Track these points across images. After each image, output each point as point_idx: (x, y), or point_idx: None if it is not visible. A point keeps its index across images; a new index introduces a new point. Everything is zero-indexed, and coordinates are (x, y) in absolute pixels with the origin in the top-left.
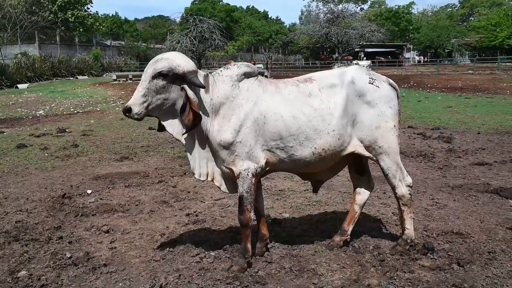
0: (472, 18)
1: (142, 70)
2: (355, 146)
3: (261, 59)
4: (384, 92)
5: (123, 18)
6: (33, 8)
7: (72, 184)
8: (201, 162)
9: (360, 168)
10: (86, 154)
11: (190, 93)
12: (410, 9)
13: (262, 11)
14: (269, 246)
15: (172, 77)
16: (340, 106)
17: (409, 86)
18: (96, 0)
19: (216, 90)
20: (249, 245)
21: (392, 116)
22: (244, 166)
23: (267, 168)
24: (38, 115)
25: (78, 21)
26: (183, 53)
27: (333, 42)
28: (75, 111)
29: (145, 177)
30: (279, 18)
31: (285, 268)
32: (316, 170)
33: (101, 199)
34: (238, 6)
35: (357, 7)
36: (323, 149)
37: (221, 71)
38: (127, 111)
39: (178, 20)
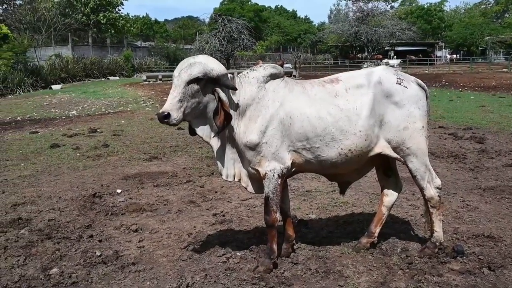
0: (507, 15)
1: (172, 71)
2: (382, 147)
3: (290, 58)
4: (412, 92)
5: (154, 19)
6: (67, 10)
7: (103, 184)
8: (228, 163)
9: (387, 169)
10: (117, 154)
11: (222, 95)
12: (442, 7)
13: (290, 10)
14: (295, 247)
15: (207, 80)
16: (367, 106)
17: (440, 85)
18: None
19: (243, 91)
20: (275, 246)
21: (420, 117)
22: (270, 167)
23: (293, 169)
24: (71, 115)
25: (109, 22)
26: (211, 53)
27: (363, 41)
28: (106, 112)
29: (174, 177)
30: (307, 17)
31: (311, 270)
32: (343, 171)
33: (130, 198)
34: (266, 6)
35: (387, 5)
36: (350, 150)
37: (247, 72)
38: (165, 117)
39: (207, 20)
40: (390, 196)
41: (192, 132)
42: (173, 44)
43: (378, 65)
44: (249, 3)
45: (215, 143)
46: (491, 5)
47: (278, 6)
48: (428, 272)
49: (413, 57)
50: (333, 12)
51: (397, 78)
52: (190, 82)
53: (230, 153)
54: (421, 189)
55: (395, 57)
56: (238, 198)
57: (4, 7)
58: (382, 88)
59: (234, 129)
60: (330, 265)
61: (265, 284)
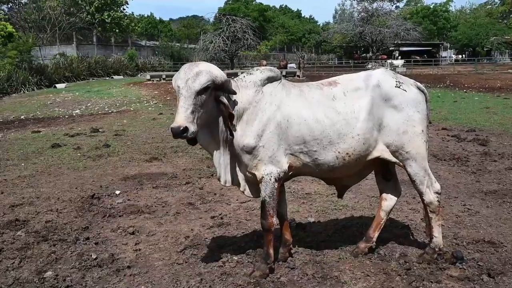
0: None
1: (176, 70)
2: (381, 151)
3: (294, 58)
4: (412, 96)
5: (158, 18)
6: (71, 9)
7: (102, 185)
8: (226, 169)
9: (387, 173)
10: (117, 154)
11: (225, 100)
12: (448, 7)
13: (295, 10)
14: (292, 251)
15: (213, 88)
16: (365, 110)
17: (445, 86)
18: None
19: (240, 96)
20: (271, 251)
21: (420, 121)
22: (267, 171)
23: (290, 173)
24: (74, 114)
25: (114, 22)
26: (215, 53)
27: (367, 41)
28: (110, 111)
29: (173, 178)
30: (312, 17)
31: (307, 275)
32: (341, 175)
33: (128, 200)
34: (271, 6)
35: (392, 5)
36: (347, 153)
37: (244, 76)
38: (183, 131)
39: (211, 20)
40: (389, 200)
41: (192, 142)
42: (178, 44)
43: (383, 65)
44: (254, 2)
45: (212, 148)
46: (496, 5)
47: (283, 6)
48: (426, 278)
49: (418, 57)
50: (338, 12)
51: (396, 81)
52: (200, 92)
53: (228, 158)
54: (420, 194)
55: (399, 57)
56: (237, 200)
57: (9, 6)
58: (380, 92)
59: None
60: (327, 270)
61: None
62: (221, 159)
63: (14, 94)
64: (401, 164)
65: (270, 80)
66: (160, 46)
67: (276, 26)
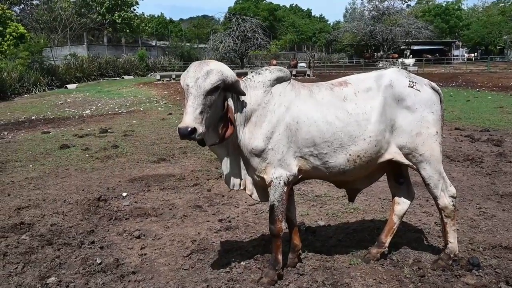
0: None
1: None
2: (393, 154)
3: (304, 57)
4: (425, 96)
5: (168, 18)
6: (82, 10)
7: (109, 187)
8: (233, 172)
9: (399, 176)
10: (125, 155)
11: (231, 102)
12: (460, 5)
13: (305, 9)
14: (301, 256)
15: (223, 88)
16: (377, 111)
17: (457, 85)
18: (142, 1)
19: (248, 96)
20: (280, 256)
21: (434, 122)
22: (276, 174)
23: (300, 176)
24: (84, 115)
25: (124, 22)
26: (225, 52)
27: (378, 40)
28: (119, 111)
29: (181, 179)
30: (322, 16)
31: (317, 282)
32: (351, 178)
33: (135, 202)
34: (281, 5)
35: (403, 4)
36: (358, 156)
37: (252, 76)
38: (191, 132)
39: (221, 19)
40: (402, 204)
41: (202, 142)
42: (188, 44)
43: (394, 64)
44: (264, 2)
45: (220, 151)
46: (509, 3)
47: (293, 5)
48: (441, 286)
49: (429, 56)
50: (349, 11)
51: (409, 81)
52: (211, 91)
53: (235, 161)
54: (435, 198)
55: (410, 56)
56: (245, 203)
57: (21, 7)
58: (393, 92)
59: (239, 135)
60: (338, 277)
61: None
62: (228, 161)
63: (25, 95)
64: (414, 167)
65: (279, 80)
66: (170, 46)
67: (286, 25)
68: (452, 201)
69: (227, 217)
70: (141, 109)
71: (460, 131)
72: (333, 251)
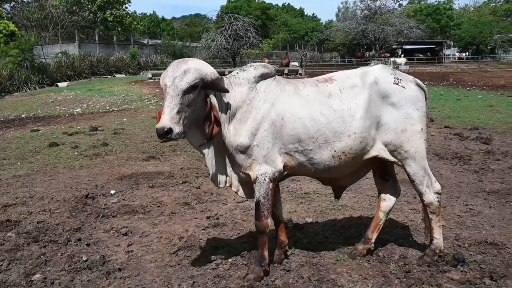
0: None
1: None
2: (379, 150)
3: (296, 56)
4: (410, 93)
5: (161, 17)
6: (74, 8)
7: (97, 184)
8: (219, 170)
9: (385, 173)
10: (115, 153)
11: (214, 100)
12: (451, 5)
13: (298, 8)
14: (288, 253)
15: (202, 87)
16: (362, 108)
17: (448, 84)
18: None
19: (233, 94)
20: (266, 253)
21: (419, 119)
22: (261, 171)
23: (285, 172)
24: (75, 113)
25: (116, 20)
26: (218, 51)
27: (370, 39)
28: (110, 109)
29: (170, 177)
30: (315, 15)
31: (303, 278)
32: (337, 174)
33: (123, 199)
34: (273, 4)
35: (395, 3)
36: (343, 152)
37: (237, 73)
38: (167, 132)
39: (214, 18)
40: (388, 201)
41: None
42: (180, 42)
43: (386, 63)
44: (256, 1)
45: (206, 149)
46: (500, 3)
47: (285, 4)
48: (426, 281)
49: (421, 55)
50: (341, 10)
51: (394, 78)
52: (188, 90)
53: (221, 159)
54: (420, 194)
55: (402, 55)
56: (234, 200)
57: (12, 4)
58: (378, 89)
59: (224, 133)
60: (324, 273)
61: None
62: (214, 159)
63: (16, 93)
64: (400, 163)
65: (264, 76)
66: (162, 45)
67: (279, 24)
68: (437, 197)
69: (215, 214)
70: (132, 108)
71: (450, 129)
72: (320, 247)
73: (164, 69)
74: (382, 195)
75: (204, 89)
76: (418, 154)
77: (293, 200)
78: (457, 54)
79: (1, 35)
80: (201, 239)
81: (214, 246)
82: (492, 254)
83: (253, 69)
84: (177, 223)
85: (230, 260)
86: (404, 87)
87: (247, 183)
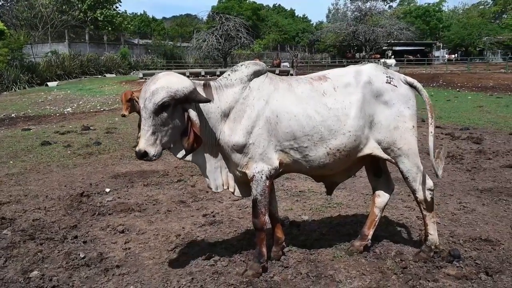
0: (505, 16)
1: (169, 68)
2: (373, 149)
3: (287, 57)
4: (402, 91)
5: (151, 16)
6: (64, 7)
7: (92, 182)
8: (215, 174)
9: (377, 170)
10: (108, 151)
11: (193, 114)
12: (441, 7)
13: (288, 9)
14: (286, 249)
15: (174, 104)
16: (355, 106)
17: (438, 85)
18: None
19: (224, 95)
20: (264, 249)
21: (410, 116)
22: (258, 169)
23: (281, 170)
24: (65, 112)
25: (107, 20)
26: (209, 51)
27: (360, 40)
28: (101, 109)
29: (165, 175)
30: (306, 16)
31: (301, 274)
32: (331, 172)
33: (119, 198)
34: (264, 4)
35: (386, 5)
36: (338, 150)
37: (228, 75)
38: (143, 155)
39: (205, 18)
40: (382, 197)
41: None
42: (171, 42)
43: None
44: (247, 1)
45: (197, 157)
46: (489, 5)
47: (276, 5)
48: (423, 277)
49: (411, 57)
50: (331, 11)
51: (386, 76)
52: (158, 111)
53: (215, 162)
54: (413, 191)
55: (392, 56)
56: (229, 198)
57: (1, 3)
58: (371, 88)
59: (217, 135)
60: (322, 269)
61: None
62: (207, 165)
63: (5, 92)
64: (393, 161)
65: (257, 74)
66: (153, 45)
67: (270, 25)
68: (430, 193)
69: (211, 212)
70: None
71: (441, 129)
72: (317, 244)
73: (155, 69)
74: (377, 192)
75: (179, 104)
76: (411, 151)
77: (288, 198)
78: (446, 55)
79: None
80: (198, 237)
81: (211, 243)
82: (486, 250)
83: (245, 68)
84: (174, 221)
85: (228, 257)
86: (396, 86)
87: (243, 182)
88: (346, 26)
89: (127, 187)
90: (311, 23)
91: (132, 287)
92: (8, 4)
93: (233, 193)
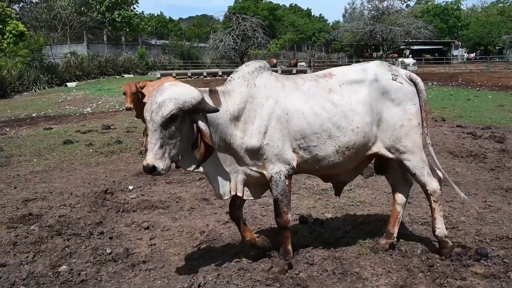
0: None
1: (186, 69)
2: (379, 147)
3: (304, 57)
4: (408, 89)
5: (168, 17)
6: (82, 8)
7: (115, 180)
8: (224, 181)
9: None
10: (129, 150)
11: (202, 124)
12: (459, 5)
13: (305, 9)
14: (310, 247)
15: (183, 115)
16: (362, 103)
17: (457, 84)
18: (142, 0)
19: (231, 98)
20: (289, 247)
21: (416, 114)
22: (276, 169)
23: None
24: (85, 112)
25: (124, 21)
26: (225, 51)
27: (378, 39)
28: (120, 109)
29: (186, 174)
30: (322, 15)
31: (327, 271)
32: (340, 171)
33: (142, 195)
34: (281, 4)
35: (403, 4)
36: (347, 147)
37: (231, 77)
38: (151, 170)
39: (221, 19)
40: (402, 192)
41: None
42: (188, 42)
43: (393, 64)
44: (263, 1)
45: (206, 166)
46: (508, 3)
47: (293, 5)
48: (450, 275)
49: (429, 56)
50: (348, 10)
51: (392, 74)
52: (165, 124)
53: (224, 168)
54: (423, 185)
55: (410, 56)
56: None
57: (21, 5)
58: (378, 86)
59: (228, 139)
60: (347, 266)
61: (279, 286)
62: (217, 171)
63: (25, 93)
64: (399, 158)
65: (259, 70)
66: (170, 45)
67: (286, 24)
68: (439, 184)
69: None
70: None
71: (462, 128)
72: (341, 242)
73: (172, 69)
74: (396, 188)
75: (187, 115)
76: (416, 146)
77: (311, 196)
78: (465, 54)
79: (11, 35)
80: (222, 233)
81: (235, 240)
82: None
83: (245, 66)
84: (197, 218)
85: (252, 253)
86: (402, 83)
87: (254, 184)
88: (363, 25)
89: (150, 184)
90: (328, 22)
91: (159, 282)
92: (28, 6)
93: (242, 196)
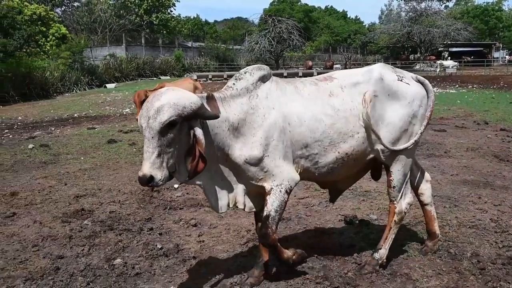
0: None
1: (221, 71)
2: (376, 152)
3: (339, 59)
4: (415, 90)
5: (204, 20)
6: (121, 12)
7: None
8: (220, 194)
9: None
10: None
11: (199, 132)
12: (501, 6)
13: (340, 10)
14: (357, 247)
15: (182, 122)
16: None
17: (498, 87)
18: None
19: (232, 107)
20: (285, 255)
21: (421, 117)
22: (277, 182)
23: None
24: (124, 113)
25: (162, 23)
26: (261, 53)
27: (415, 41)
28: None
29: None
30: (358, 17)
31: (376, 271)
32: (338, 177)
33: (187, 193)
34: (316, 6)
35: (441, 5)
36: (346, 153)
37: (233, 84)
38: (149, 181)
39: (256, 21)
40: (425, 190)
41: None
42: (223, 45)
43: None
44: (299, 3)
45: (201, 178)
46: None
47: (328, 7)
48: (503, 279)
49: (468, 58)
50: (384, 12)
51: (396, 75)
52: (163, 131)
53: (221, 180)
54: (392, 201)
55: (449, 58)
56: (295, 196)
57: (63, 8)
58: (383, 85)
59: (226, 150)
60: (396, 267)
61: (329, 284)
62: (214, 184)
63: (67, 94)
64: (387, 165)
65: (263, 79)
66: (206, 47)
67: (321, 27)
68: (407, 208)
69: None
70: None
71: (507, 132)
72: None
73: (208, 71)
74: (418, 189)
75: (187, 121)
76: (409, 156)
77: (354, 197)
78: (507, 56)
79: (53, 37)
80: None
81: (282, 239)
82: None
83: (249, 75)
84: (243, 217)
85: (299, 251)
86: (408, 84)
87: (255, 195)
88: (400, 27)
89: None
90: (364, 24)
91: (210, 277)
92: (70, 10)
93: (244, 209)
